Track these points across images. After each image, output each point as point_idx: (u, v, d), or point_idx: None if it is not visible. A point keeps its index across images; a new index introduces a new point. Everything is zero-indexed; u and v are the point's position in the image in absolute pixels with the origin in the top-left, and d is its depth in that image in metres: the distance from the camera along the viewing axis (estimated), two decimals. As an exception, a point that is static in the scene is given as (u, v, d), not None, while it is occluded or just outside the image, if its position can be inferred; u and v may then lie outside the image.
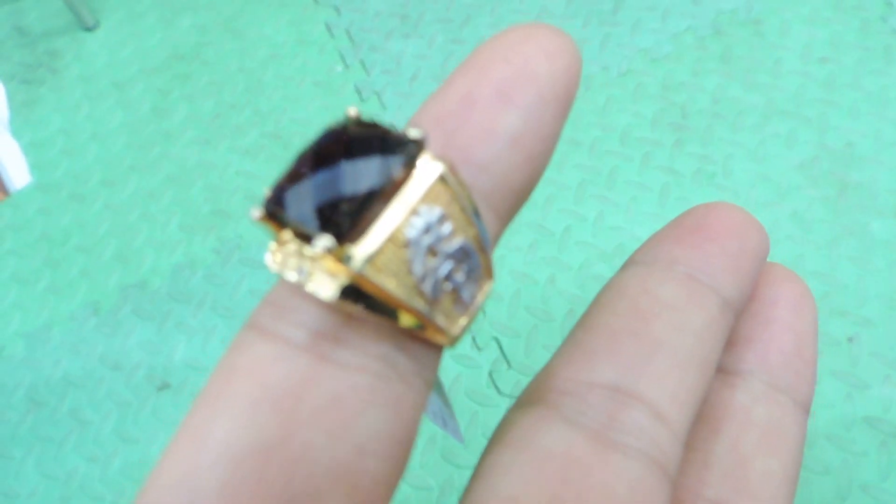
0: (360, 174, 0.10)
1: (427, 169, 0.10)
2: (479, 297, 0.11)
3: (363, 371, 0.10)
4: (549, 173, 0.75)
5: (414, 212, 0.10)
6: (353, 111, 0.11)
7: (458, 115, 0.11)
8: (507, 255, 0.71)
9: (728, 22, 0.82)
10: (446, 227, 0.10)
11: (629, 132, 0.76)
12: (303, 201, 0.10)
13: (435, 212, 0.10)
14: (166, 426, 0.70)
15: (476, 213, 0.11)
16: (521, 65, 0.11)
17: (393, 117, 0.83)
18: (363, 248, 0.09)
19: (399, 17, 0.90)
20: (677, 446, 0.11)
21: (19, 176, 0.87)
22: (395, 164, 0.10)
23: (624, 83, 0.79)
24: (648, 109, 0.77)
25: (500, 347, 0.68)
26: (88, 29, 0.98)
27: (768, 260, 0.14)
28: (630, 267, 0.13)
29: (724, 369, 0.13)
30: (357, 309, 0.10)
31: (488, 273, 0.11)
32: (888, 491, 0.59)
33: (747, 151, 0.73)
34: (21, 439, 0.71)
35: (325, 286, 0.10)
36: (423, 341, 0.11)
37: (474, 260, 0.11)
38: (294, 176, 0.10)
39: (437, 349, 0.11)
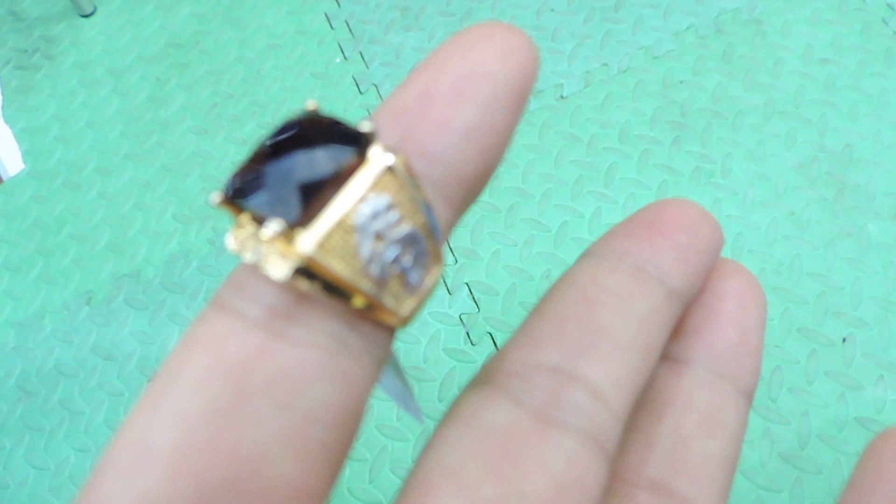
0: (312, 163, 0.11)
1: (377, 160, 0.11)
2: (428, 281, 0.12)
3: (314, 347, 0.11)
4: (547, 169, 0.74)
5: (362, 199, 0.11)
6: (311, 104, 0.11)
7: (416, 110, 0.12)
8: (503, 250, 0.71)
9: (730, 21, 0.81)
10: (393, 215, 0.11)
11: (628, 129, 0.76)
12: (258, 188, 0.11)
13: (383, 199, 0.11)
14: (158, 417, 0.69)
15: (425, 202, 0.11)
16: (476, 63, 0.12)
17: (391, 110, 0.83)
18: (312, 233, 0.10)
19: (399, 10, 0.89)
20: (616, 425, 0.12)
21: (12, 163, 0.86)
22: (346, 154, 0.11)
23: (624, 80, 0.79)
24: (648, 107, 0.77)
25: (495, 343, 0.67)
26: (85, 15, 0.97)
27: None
28: (583, 259, 0.14)
29: (671, 357, 0.14)
30: (309, 289, 0.11)
31: (437, 259, 0.12)
32: (880, 492, 0.60)
33: (746, 151, 0.73)
34: (11, 429, 0.71)
35: (278, 267, 0.10)
36: (374, 322, 0.11)
37: (422, 246, 0.11)
38: (252, 164, 0.11)
39: (389, 330, 0.12)
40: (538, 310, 0.13)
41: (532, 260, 0.70)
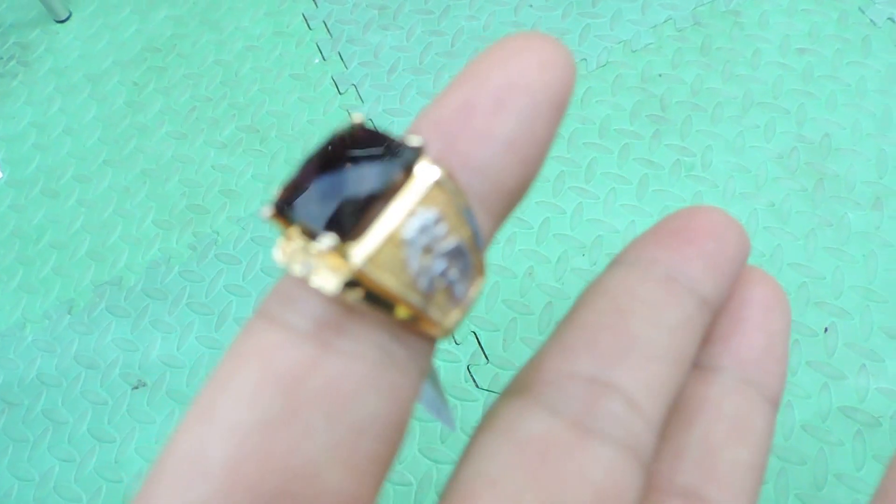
0: (362, 178, 0.11)
1: (425, 174, 0.11)
2: (472, 293, 0.12)
3: (361, 359, 0.11)
4: (528, 166, 0.74)
5: (411, 213, 0.11)
6: (357, 118, 0.12)
7: (457, 120, 0.12)
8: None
9: (707, 13, 0.81)
10: (441, 228, 0.11)
11: (608, 124, 0.76)
12: (309, 202, 0.11)
13: (431, 213, 0.11)
14: (142, 424, 0.69)
15: (470, 215, 0.11)
16: (516, 74, 0.12)
17: (371, 110, 0.82)
18: (363, 247, 0.10)
19: (377, 9, 0.89)
20: (651, 434, 0.12)
21: (-9, 171, 0.85)
22: (395, 168, 0.11)
23: (603, 75, 0.79)
24: (627, 101, 0.77)
25: (479, 341, 0.67)
26: (60, 21, 0.96)
27: (749, 255, 0.15)
28: (613, 267, 0.14)
29: (699, 365, 0.14)
30: (357, 302, 0.11)
31: (480, 270, 0.12)
32: (863, 480, 0.60)
33: (725, 143, 0.73)
34: (-6, 440, 0.70)
35: (328, 280, 0.11)
36: (418, 332, 0.12)
37: (467, 259, 0.12)
38: (302, 177, 0.11)
39: (431, 340, 0.12)
40: (570, 319, 0.13)
41: (514, 257, 0.70)
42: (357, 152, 0.11)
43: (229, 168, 0.81)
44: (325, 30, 0.89)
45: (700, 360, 0.14)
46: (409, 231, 0.11)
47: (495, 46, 0.13)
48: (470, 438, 0.12)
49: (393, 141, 0.11)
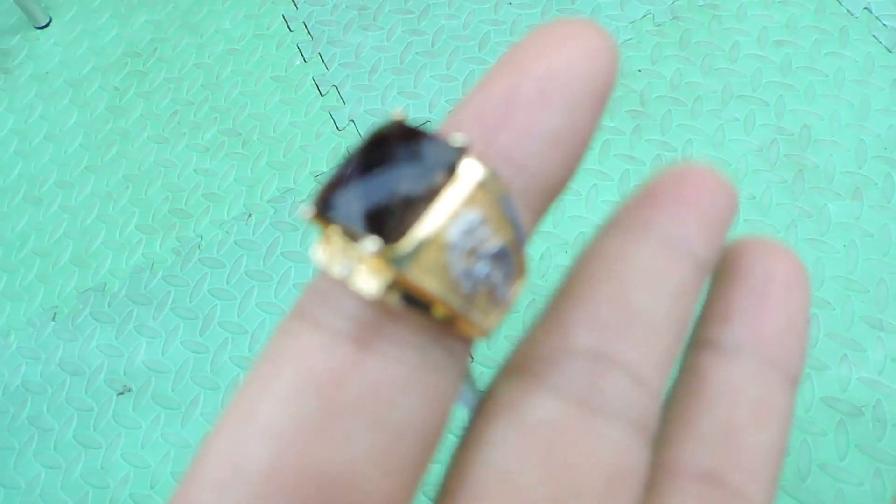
0: (405, 178, 0.10)
1: (469, 174, 0.11)
2: (512, 294, 0.12)
3: (401, 362, 0.11)
4: (510, 163, 0.74)
5: (455, 215, 0.10)
6: (397, 114, 0.11)
7: (500, 113, 0.11)
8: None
9: (686, 7, 0.81)
10: (485, 230, 0.11)
11: (589, 120, 0.76)
12: (351, 203, 0.10)
13: (475, 215, 0.11)
14: (128, 430, 0.69)
15: (514, 213, 0.11)
16: (560, 63, 0.12)
17: (352, 111, 0.82)
18: (407, 250, 0.10)
19: (357, 10, 0.89)
20: (656, 406, 0.12)
21: (-27, 180, 0.85)
22: (439, 169, 0.11)
23: (583, 71, 0.79)
24: (608, 97, 0.77)
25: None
26: (41, 27, 0.95)
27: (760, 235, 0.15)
28: (606, 233, 0.14)
29: (717, 344, 0.14)
30: (396, 304, 0.10)
31: (521, 271, 0.12)
32: (846, 470, 0.60)
33: (706, 137, 0.73)
34: (-20, 448, 0.70)
35: (370, 283, 0.10)
36: (456, 334, 0.11)
37: (510, 261, 0.11)
38: (342, 177, 0.11)
39: (469, 341, 0.12)
40: (566, 290, 0.13)
41: (497, 255, 0.70)
42: (399, 151, 0.11)
43: (212, 172, 0.80)
44: (306, 31, 0.89)
45: (720, 339, 0.14)
46: (454, 234, 0.10)
47: (537, 33, 0.12)
48: (471, 422, 0.12)
49: (436, 139, 0.11)
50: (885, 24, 0.77)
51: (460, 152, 0.11)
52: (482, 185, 0.11)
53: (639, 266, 0.13)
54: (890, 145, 0.71)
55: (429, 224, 0.10)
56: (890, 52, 0.75)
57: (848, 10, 0.79)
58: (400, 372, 0.10)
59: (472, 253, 0.11)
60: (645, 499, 0.12)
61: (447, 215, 0.10)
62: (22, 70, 0.93)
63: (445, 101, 0.82)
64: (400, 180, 0.10)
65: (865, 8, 0.78)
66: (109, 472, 0.67)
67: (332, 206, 0.11)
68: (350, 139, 0.81)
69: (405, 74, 0.83)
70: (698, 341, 0.14)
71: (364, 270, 0.10)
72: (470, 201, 0.11)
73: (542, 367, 0.12)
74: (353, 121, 0.82)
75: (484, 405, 0.12)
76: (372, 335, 0.11)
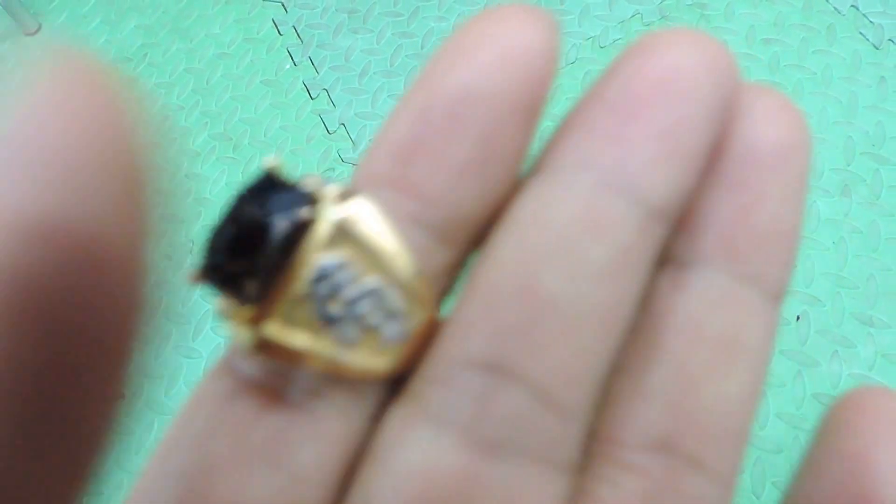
0: (255, 231, 0.10)
1: (326, 218, 0.10)
2: (411, 331, 0.10)
3: (303, 408, 0.10)
4: (501, 165, 0.74)
5: (310, 264, 0.10)
6: (269, 161, 0.11)
7: (409, 143, 0.10)
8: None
9: (674, 7, 0.82)
10: (348, 273, 0.10)
11: (579, 120, 0.76)
12: (208, 261, 0.10)
13: (334, 259, 0.10)
14: (122, 436, 0.69)
15: (394, 251, 0.10)
16: (477, 76, 0.10)
17: (343, 114, 0.82)
18: (261, 308, 0.10)
19: (347, 13, 0.89)
20: (573, 429, 0.10)
21: (-36, 188, 0.85)
22: (294, 217, 0.10)
23: (573, 72, 0.79)
24: (597, 97, 0.77)
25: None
26: (30, 33, 0.95)
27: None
28: (527, 181, 0.10)
29: (674, 259, 0.11)
30: (280, 358, 0.10)
31: (424, 305, 0.10)
32: (838, 466, 0.60)
33: (695, 135, 0.74)
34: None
35: (243, 339, 0.10)
36: (363, 379, 0.11)
37: (391, 300, 0.10)
38: (217, 235, 0.10)
39: (378, 382, 0.11)
40: (467, 280, 0.11)
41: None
42: (261, 203, 0.10)
43: (203, 177, 0.80)
44: (296, 35, 0.89)
45: (676, 252, 0.10)
46: (309, 282, 0.10)
47: (458, 34, 0.10)
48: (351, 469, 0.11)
49: (291, 188, 0.10)
50: (871, 21, 0.77)
51: (312, 198, 0.10)
52: (342, 226, 0.10)
53: (557, 233, 0.10)
54: (878, 142, 0.71)
55: (285, 275, 0.10)
56: (877, 48, 0.76)
57: (835, 8, 0.79)
58: (301, 417, 0.10)
59: (335, 299, 0.10)
60: (578, 479, 0.10)
61: (302, 264, 0.10)
62: (12, 77, 0.93)
63: (436, 103, 0.82)
64: (251, 233, 0.10)
65: (852, 6, 0.79)
66: (103, 478, 0.67)
67: (206, 265, 0.10)
68: (340, 142, 0.81)
69: (395, 77, 0.83)
70: (659, 259, 0.11)
71: (240, 329, 0.10)
72: (328, 244, 0.10)
73: (426, 388, 0.10)
74: (343, 124, 0.82)
75: (370, 444, 0.11)
76: (280, 380, 0.10)
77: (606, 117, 0.10)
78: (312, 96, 0.84)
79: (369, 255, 0.10)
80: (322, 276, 0.10)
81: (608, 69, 0.10)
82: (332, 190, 0.10)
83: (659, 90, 0.10)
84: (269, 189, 0.10)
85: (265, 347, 0.10)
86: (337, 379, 0.10)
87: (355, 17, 0.88)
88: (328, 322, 0.10)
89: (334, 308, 0.10)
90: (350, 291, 0.10)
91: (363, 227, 0.10)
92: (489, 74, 0.10)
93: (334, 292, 0.10)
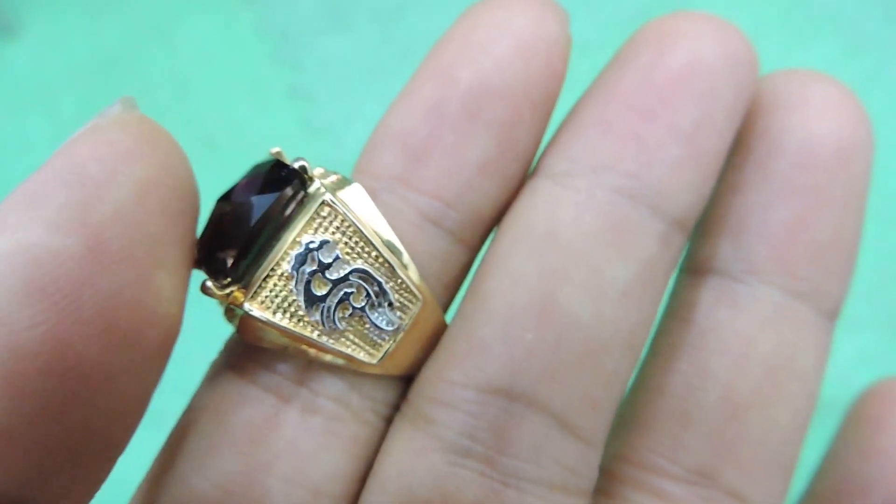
0: (242, 213, 0.10)
1: (313, 198, 0.10)
2: (407, 321, 0.10)
3: (318, 413, 0.10)
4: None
5: (295, 243, 0.10)
6: (274, 149, 0.11)
7: (423, 137, 0.09)
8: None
9: (654, 9, 0.82)
10: (331, 254, 0.10)
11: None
12: (200, 246, 0.11)
13: (317, 239, 0.10)
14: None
15: (383, 236, 0.10)
16: (494, 66, 0.09)
17: (326, 116, 0.82)
18: (246, 288, 0.10)
19: (330, 14, 0.89)
20: (592, 456, 0.09)
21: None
22: (283, 197, 0.10)
23: (555, 74, 0.79)
24: (580, 99, 0.77)
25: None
26: (9, 37, 0.94)
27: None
28: (535, 183, 0.10)
29: (719, 271, 0.09)
30: (271, 344, 0.10)
31: (414, 294, 0.10)
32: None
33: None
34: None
35: (234, 321, 0.10)
36: (372, 376, 0.10)
37: (378, 283, 0.10)
38: (213, 219, 0.11)
39: (393, 382, 0.10)
40: (473, 291, 0.10)
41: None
42: (242, 189, 0.11)
43: (186, 180, 0.80)
44: (278, 37, 0.89)
45: (721, 263, 0.09)
46: (292, 261, 0.10)
47: (467, 20, 0.09)
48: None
49: (286, 167, 0.11)
50: (847, 25, 0.78)
51: (299, 178, 0.10)
52: (329, 207, 0.10)
53: (573, 247, 0.09)
54: (856, 142, 0.72)
55: (267, 256, 0.10)
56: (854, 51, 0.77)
57: (812, 10, 0.80)
58: (317, 425, 0.10)
59: (320, 280, 0.10)
60: (600, 501, 0.10)
61: (286, 244, 0.10)
62: None
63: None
64: (251, 215, 0.10)
65: (828, 7, 0.80)
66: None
67: (197, 252, 0.11)
68: (323, 144, 0.81)
69: (379, 78, 0.83)
70: (693, 266, 0.10)
71: (220, 306, 0.11)
72: (310, 226, 0.10)
73: (434, 410, 0.09)
74: (326, 126, 0.82)
75: (374, 466, 0.10)
76: (293, 385, 0.10)
77: (623, 115, 0.09)
78: (295, 98, 0.84)
79: (359, 240, 0.10)
80: (307, 254, 0.10)
81: (619, 57, 0.09)
82: (326, 174, 0.11)
83: (681, 86, 0.09)
84: (267, 173, 0.11)
85: (248, 331, 0.10)
86: (361, 378, 0.10)
87: (338, 18, 0.88)
88: (312, 302, 0.10)
89: (318, 288, 0.10)
90: (335, 271, 0.10)
91: (354, 212, 0.10)
92: (506, 68, 0.09)
93: (319, 272, 0.10)
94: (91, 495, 0.09)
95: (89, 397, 0.08)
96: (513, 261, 0.10)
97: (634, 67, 0.09)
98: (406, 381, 0.11)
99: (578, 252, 0.09)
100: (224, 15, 0.92)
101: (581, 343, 0.09)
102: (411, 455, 0.09)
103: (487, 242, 0.11)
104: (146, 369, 0.08)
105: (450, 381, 0.09)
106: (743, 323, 0.09)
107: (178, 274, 0.08)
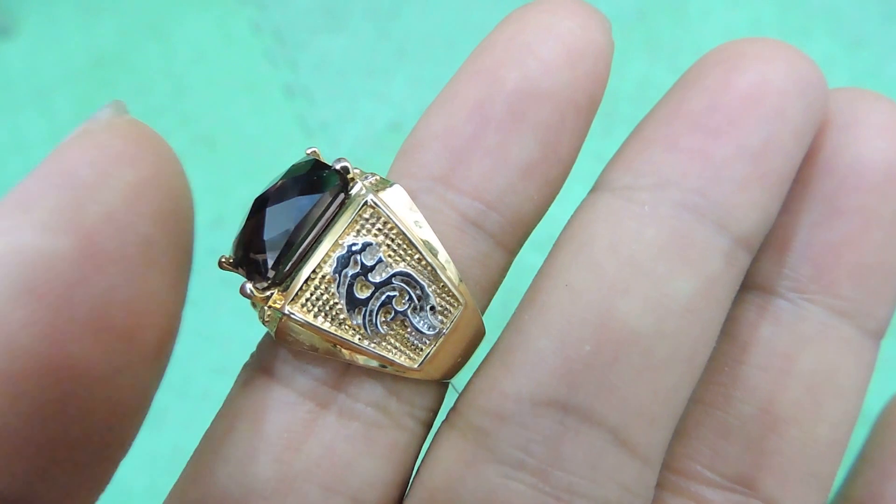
0: (281, 215, 0.10)
1: (354, 199, 0.10)
2: (448, 325, 0.10)
3: (356, 418, 0.09)
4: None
5: (337, 245, 0.10)
6: (311, 149, 0.11)
7: (467, 137, 0.09)
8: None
9: (651, 7, 0.82)
10: (373, 256, 0.10)
11: (559, 121, 0.76)
12: (238, 248, 0.10)
13: (358, 242, 0.10)
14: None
15: (425, 239, 0.10)
16: (539, 70, 0.09)
17: (322, 115, 0.82)
18: (287, 290, 0.10)
19: (326, 13, 0.89)
20: (650, 475, 0.09)
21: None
22: (325, 199, 0.10)
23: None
24: (577, 97, 0.77)
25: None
26: (4, 36, 0.94)
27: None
28: (596, 198, 0.10)
29: (763, 287, 0.10)
30: (305, 348, 0.10)
31: (454, 299, 0.10)
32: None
33: (674, 135, 0.74)
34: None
35: (272, 325, 0.10)
36: (413, 381, 0.10)
37: (421, 287, 0.10)
38: (251, 218, 0.10)
39: (432, 387, 0.10)
40: (527, 304, 0.10)
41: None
42: (284, 190, 0.10)
43: (182, 180, 0.80)
44: (274, 36, 0.89)
45: (767, 280, 0.10)
46: (332, 264, 0.10)
47: (512, 23, 0.09)
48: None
49: (326, 168, 0.10)
50: (844, 23, 0.78)
51: (341, 179, 0.10)
52: (372, 209, 0.10)
53: (635, 262, 0.09)
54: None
55: (309, 259, 0.10)
56: (851, 49, 0.77)
57: (810, 9, 0.80)
58: (355, 431, 0.09)
59: (363, 283, 0.10)
60: None
61: (327, 246, 0.10)
62: None
63: (418, 104, 0.82)
64: (278, 217, 0.10)
65: (826, 6, 0.80)
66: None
67: (237, 255, 0.10)
68: (320, 142, 0.81)
69: (375, 77, 0.83)
70: (743, 283, 0.10)
71: (269, 315, 0.10)
72: (352, 228, 0.10)
73: (492, 424, 0.09)
74: (323, 125, 0.82)
75: (420, 475, 0.10)
76: (330, 390, 0.10)
77: (690, 133, 0.09)
78: (291, 97, 0.84)
79: (402, 242, 0.10)
80: (349, 257, 0.10)
81: (685, 79, 0.10)
82: (363, 175, 0.10)
83: (748, 106, 0.09)
84: (307, 174, 0.10)
85: (285, 334, 0.09)
86: (400, 383, 0.10)
87: (335, 17, 0.88)
88: (355, 305, 0.10)
89: (361, 291, 0.10)
90: (378, 274, 0.10)
91: (397, 213, 0.10)
92: (553, 71, 0.09)
93: (362, 274, 0.10)
94: (95, 497, 0.09)
95: (86, 397, 0.08)
96: (572, 272, 0.10)
97: (702, 88, 0.09)
98: (443, 385, 0.10)
99: (640, 265, 0.09)
100: (220, 14, 0.92)
101: (640, 357, 0.09)
102: (462, 465, 0.09)
103: (530, 251, 0.11)
104: (143, 369, 0.08)
105: (504, 392, 0.09)
106: (785, 339, 0.09)
107: (172, 275, 0.08)
